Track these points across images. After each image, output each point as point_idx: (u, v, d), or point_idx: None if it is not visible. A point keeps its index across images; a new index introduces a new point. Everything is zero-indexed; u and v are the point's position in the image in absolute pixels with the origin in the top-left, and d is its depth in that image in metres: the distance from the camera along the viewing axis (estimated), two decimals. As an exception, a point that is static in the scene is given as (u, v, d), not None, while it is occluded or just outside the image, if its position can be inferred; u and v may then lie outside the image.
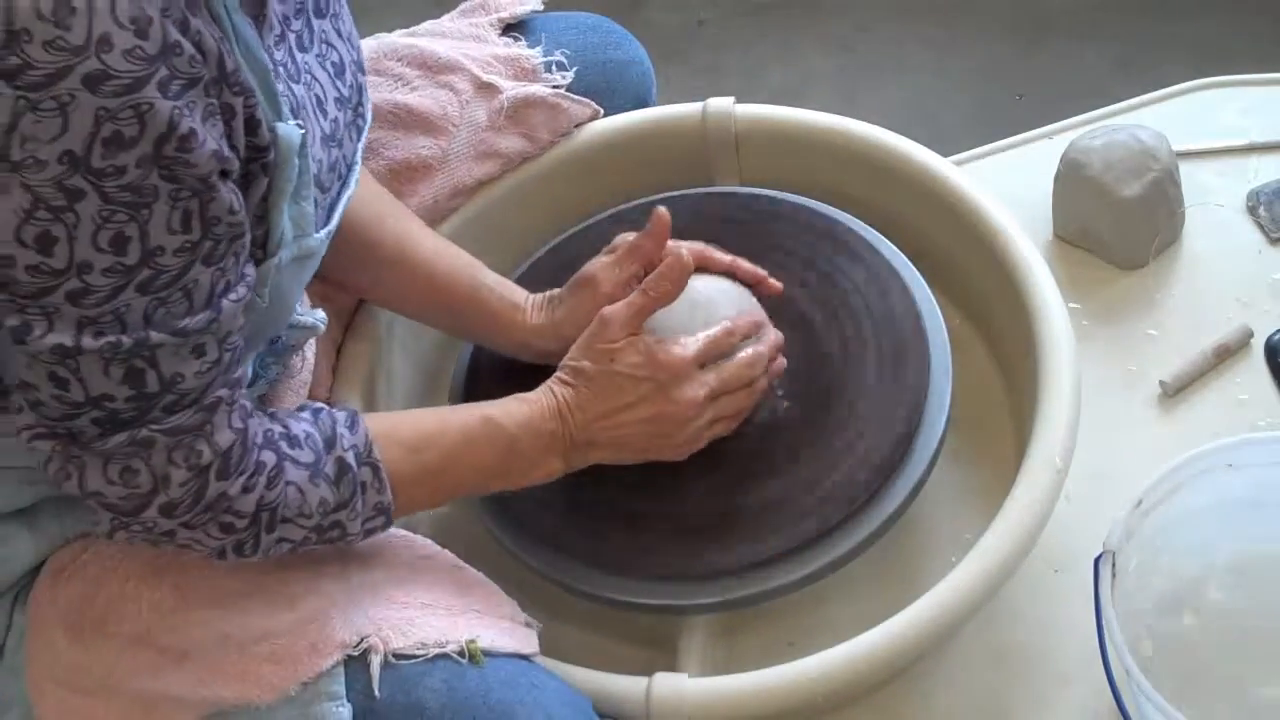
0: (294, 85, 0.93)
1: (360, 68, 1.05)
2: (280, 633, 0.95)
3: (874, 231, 1.24)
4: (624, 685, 1.03)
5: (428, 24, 1.39)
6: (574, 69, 1.33)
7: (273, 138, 0.88)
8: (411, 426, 1.02)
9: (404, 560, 1.02)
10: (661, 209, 1.12)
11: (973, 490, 1.21)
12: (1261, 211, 1.37)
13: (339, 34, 1.01)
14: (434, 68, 1.30)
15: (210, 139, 0.81)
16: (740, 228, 1.26)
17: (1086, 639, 1.03)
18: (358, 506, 0.96)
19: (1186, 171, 1.37)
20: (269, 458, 0.93)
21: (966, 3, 2.26)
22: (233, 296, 0.87)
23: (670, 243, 1.13)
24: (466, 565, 1.05)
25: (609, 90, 1.36)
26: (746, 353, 1.09)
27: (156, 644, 0.95)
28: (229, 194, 0.84)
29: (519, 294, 1.18)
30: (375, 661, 0.93)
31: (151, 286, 0.82)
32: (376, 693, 0.93)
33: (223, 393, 0.89)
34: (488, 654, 0.96)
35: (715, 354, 1.08)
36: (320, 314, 1.12)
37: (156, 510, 0.89)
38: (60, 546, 1.00)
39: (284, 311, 1.00)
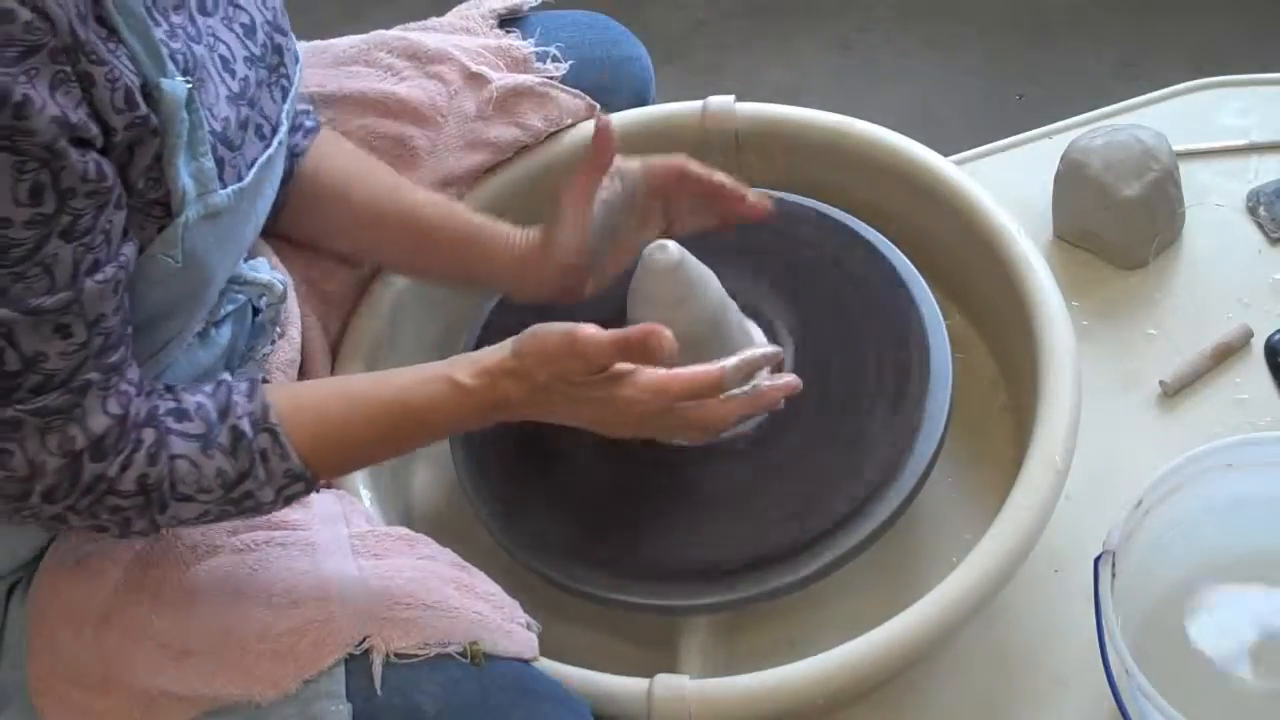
0: (194, 45, 0.93)
1: (278, 29, 1.04)
2: (283, 630, 0.94)
3: (874, 231, 1.24)
4: (625, 686, 1.03)
5: (424, 21, 1.39)
6: (571, 64, 1.33)
7: (158, 95, 0.87)
8: (314, 406, 0.97)
9: (407, 561, 1.02)
10: (601, 114, 1.09)
11: (973, 490, 1.21)
12: (1261, 211, 1.37)
13: None
14: (423, 58, 1.30)
15: (52, 106, 0.80)
16: (740, 227, 1.26)
17: (1086, 639, 1.03)
18: (261, 476, 0.94)
19: (1186, 171, 1.37)
20: (148, 435, 0.91)
21: (966, 3, 2.26)
22: (99, 276, 0.86)
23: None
24: (469, 565, 1.05)
25: (608, 86, 1.36)
26: (710, 403, 1.00)
27: (158, 639, 0.95)
28: (85, 163, 0.83)
29: (514, 229, 1.15)
30: (377, 661, 0.93)
31: (4, 261, 0.81)
32: (379, 691, 0.93)
33: (93, 376, 0.88)
34: (489, 657, 0.96)
35: (680, 398, 0.99)
36: (279, 274, 1.13)
37: (39, 497, 0.89)
38: (55, 537, 1.00)
39: (203, 274, 0.98)
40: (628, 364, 0.97)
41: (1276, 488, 1.09)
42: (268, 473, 0.94)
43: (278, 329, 1.14)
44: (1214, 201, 1.40)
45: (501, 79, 1.30)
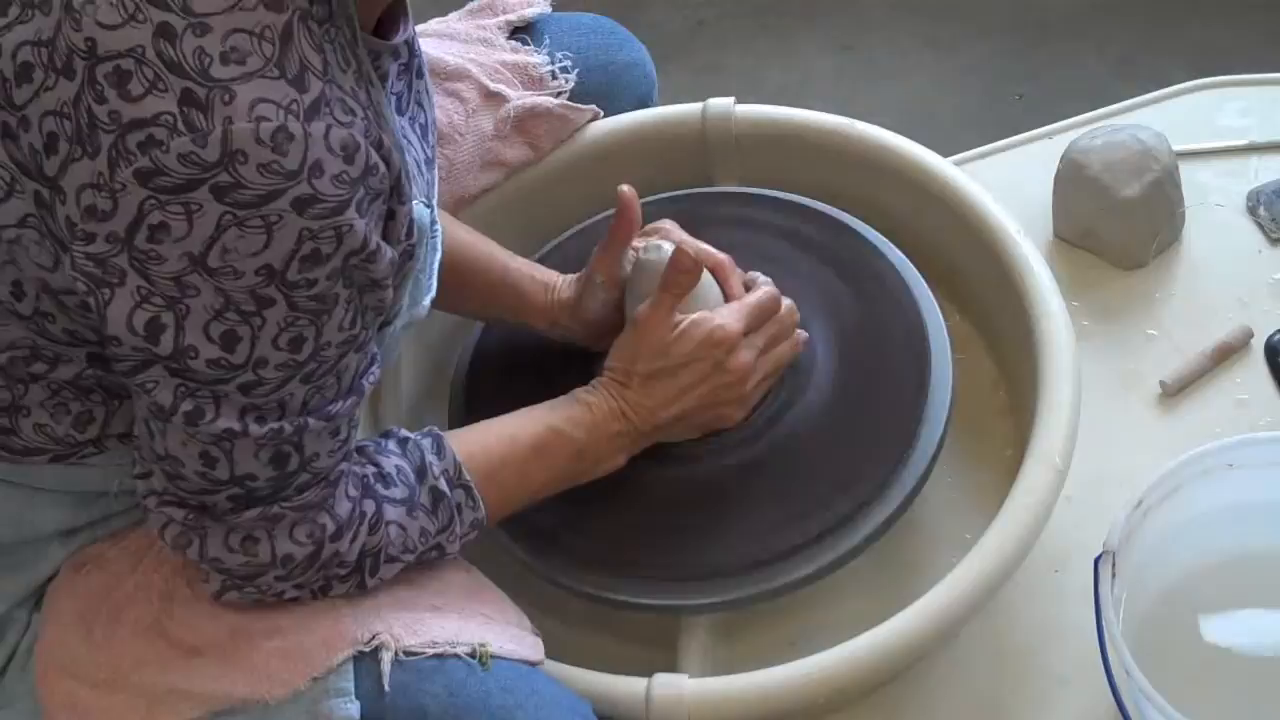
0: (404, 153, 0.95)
1: (434, 126, 1.06)
2: (292, 628, 0.95)
3: (874, 231, 1.24)
4: (624, 686, 1.03)
5: (434, 23, 1.38)
6: (576, 71, 1.33)
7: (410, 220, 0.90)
8: (482, 449, 1.03)
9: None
10: (624, 186, 1.13)
11: (973, 490, 1.21)
12: (1261, 211, 1.37)
13: (426, 93, 1.02)
14: (441, 75, 1.30)
15: (387, 248, 0.84)
16: (740, 228, 1.26)
17: (1086, 639, 1.03)
18: (456, 529, 0.99)
19: (1186, 171, 1.37)
20: (369, 506, 0.95)
21: (966, 3, 2.26)
22: (370, 379, 0.91)
23: (705, 248, 1.15)
24: (474, 569, 1.06)
25: (611, 92, 1.36)
26: (785, 302, 1.13)
27: (167, 637, 0.95)
28: (390, 291, 0.87)
29: (550, 275, 1.20)
30: (386, 658, 0.94)
31: (314, 377, 0.85)
32: (386, 688, 0.93)
33: (344, 466, 0.93)
34: (496, 659, 0.96)
35: (761, 318, 1.11)
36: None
37: (275, 578, 0.92)
38: (85, 547, 1.00)
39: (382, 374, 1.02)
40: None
41: (1276, 488, 1.09)
42: (461, 525, 0.99)
43: None
44: (1214, 201, 1.40)
45: (519, 98, 1.30)
